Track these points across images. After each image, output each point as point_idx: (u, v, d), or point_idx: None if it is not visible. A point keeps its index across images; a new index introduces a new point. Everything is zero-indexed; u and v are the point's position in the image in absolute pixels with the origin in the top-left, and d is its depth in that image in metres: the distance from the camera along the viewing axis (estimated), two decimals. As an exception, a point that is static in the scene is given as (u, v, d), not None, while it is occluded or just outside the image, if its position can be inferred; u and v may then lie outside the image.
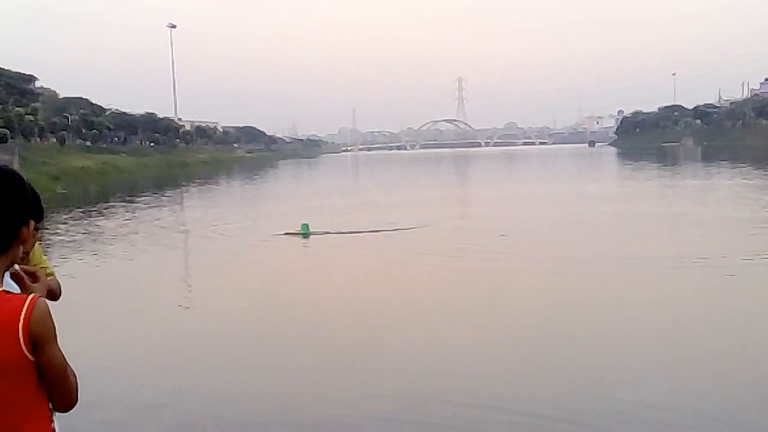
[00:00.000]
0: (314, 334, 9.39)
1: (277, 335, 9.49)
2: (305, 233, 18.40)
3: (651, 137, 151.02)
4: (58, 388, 1.96)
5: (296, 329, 9.68)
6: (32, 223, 2.01)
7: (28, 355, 1.85)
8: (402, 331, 9.37)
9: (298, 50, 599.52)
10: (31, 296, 1.88)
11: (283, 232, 18.87)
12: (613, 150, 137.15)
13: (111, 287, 13.18)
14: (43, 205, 2.16)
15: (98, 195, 43.49)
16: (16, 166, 43.97)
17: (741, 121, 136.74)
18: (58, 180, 51.60)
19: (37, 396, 1.93)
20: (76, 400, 2.03)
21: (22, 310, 1.83)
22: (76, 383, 2.02)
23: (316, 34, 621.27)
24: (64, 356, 1.96)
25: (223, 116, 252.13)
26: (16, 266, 2.03)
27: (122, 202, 35.05)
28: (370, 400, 6.89)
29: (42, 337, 1.86)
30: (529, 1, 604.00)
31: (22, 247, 1.99)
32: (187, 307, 11.54)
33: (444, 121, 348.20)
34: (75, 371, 2.01)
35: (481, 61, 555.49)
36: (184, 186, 51.22)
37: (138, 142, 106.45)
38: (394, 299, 11.49)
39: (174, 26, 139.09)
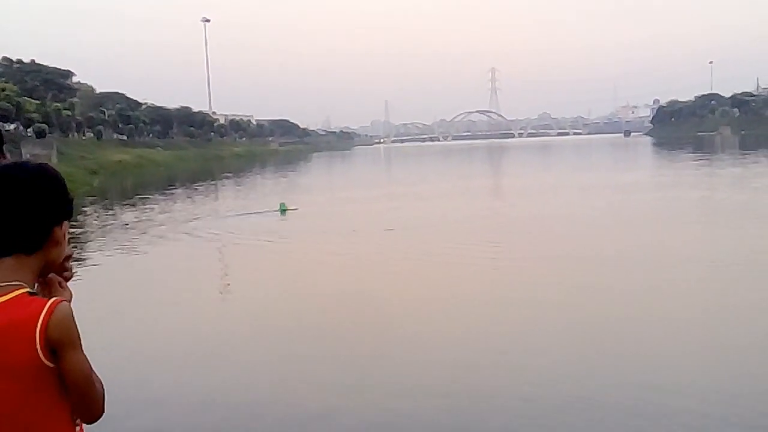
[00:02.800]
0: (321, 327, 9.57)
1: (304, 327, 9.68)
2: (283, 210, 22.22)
3: (687, 126, 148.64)
4: (81, 398, 1.86)
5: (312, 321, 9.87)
6: (66, 224, 1.92)
7: (45, 361, 1.77)
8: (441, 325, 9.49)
9: (331, 43, 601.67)
10: (52, 300, 1.79)
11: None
12: (648, 140, 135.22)
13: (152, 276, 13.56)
14: (78, 200, 2.09)
15: (135, 187, 44.13)
16: (54, 161, 44.92)
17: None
18: (95, 174, 52.60)
19: (58, 404, 1.84)
20: (102, 411, 1.91)
21: (40, 314, 1.75)
22: (103, 393, 1.90)
23: (349, 27, 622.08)
24: (89, 364, 1.85)
25: (257, 110, 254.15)
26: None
27: (179, 189, 35.63)
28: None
29: (62, 343, 1.77)
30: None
31: (56, 250, 1.89)
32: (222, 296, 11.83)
33: (477, 112, 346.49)
34: (102, 380, 1.89)
35: (514, 52, 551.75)
36: (225, 178, 51.63)
37: (173, 136, 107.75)
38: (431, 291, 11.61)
39: (208, 20, 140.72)
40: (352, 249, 15.98)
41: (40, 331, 1.74)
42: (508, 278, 12.19)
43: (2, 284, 1.78)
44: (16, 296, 1.77)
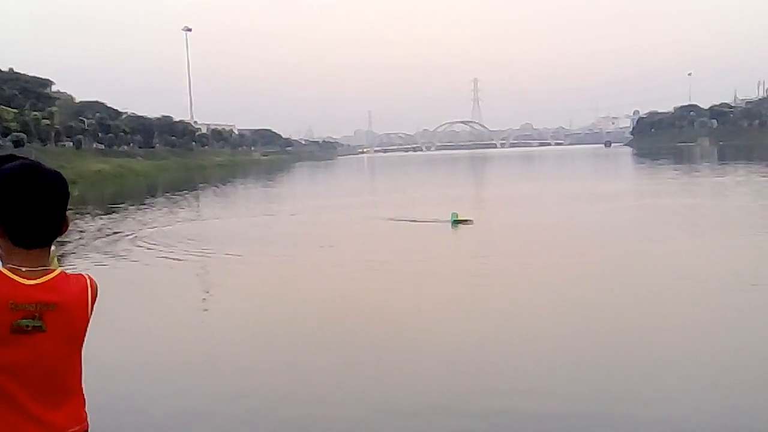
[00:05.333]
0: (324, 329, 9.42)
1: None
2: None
3: (667, 137, 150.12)
4: None
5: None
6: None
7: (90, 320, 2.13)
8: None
9: (314, 52, 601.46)
10: (85, 274, 2.17)
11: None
12: (629, 150, 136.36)
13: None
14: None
15: (114, 197, 43.77)
16: (32, 170, 45.08)
17: (757, 121, 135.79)
18: (75, 184, 52.01)
19: (80, 363, 2.17)
20: None
21: (87, 284, 2.12)
22: None
23: (332, 36, 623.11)
24: None
25: (239, 119, 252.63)
26: None
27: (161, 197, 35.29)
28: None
29: (94, 305, 2.15)
30: (543, 0, 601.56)
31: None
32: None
33: (459, 122, 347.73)
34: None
35: (497, 62, 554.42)
36: (213, 187, 51.40)
37: (154, 145, 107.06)
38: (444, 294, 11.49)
39: (189, 30, 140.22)
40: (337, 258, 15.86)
41: (91, 298, 2.12)
42: (490, 289, 12.09)
43: (44, 267, 2.06)
44: (60, 274, 2.08)
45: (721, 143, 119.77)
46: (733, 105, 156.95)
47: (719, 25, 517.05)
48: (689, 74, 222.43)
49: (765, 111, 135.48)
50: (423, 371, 7.52)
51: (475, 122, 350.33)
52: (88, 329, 2.14)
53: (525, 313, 9.99)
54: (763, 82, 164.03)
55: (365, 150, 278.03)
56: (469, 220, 19.77)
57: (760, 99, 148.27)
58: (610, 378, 7.12)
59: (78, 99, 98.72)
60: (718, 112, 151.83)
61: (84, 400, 2.19)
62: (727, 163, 55.71)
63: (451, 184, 46.71)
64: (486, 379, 7.28)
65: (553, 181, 44.23)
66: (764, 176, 37.12)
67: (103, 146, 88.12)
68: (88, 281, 2.12)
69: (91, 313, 2.12)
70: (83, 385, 2.19)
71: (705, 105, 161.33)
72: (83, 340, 2.13)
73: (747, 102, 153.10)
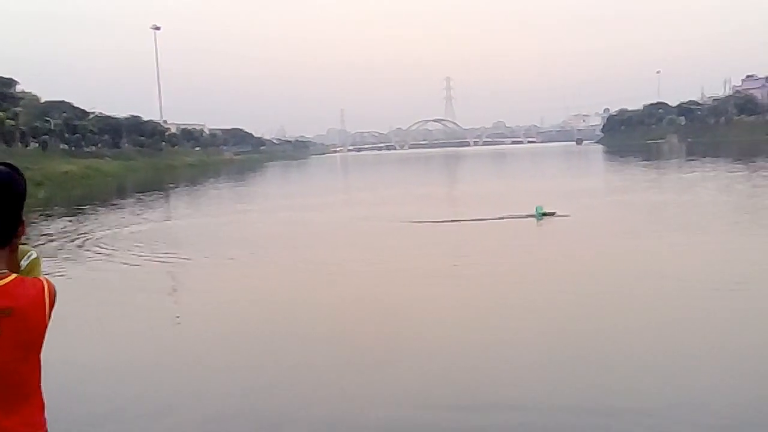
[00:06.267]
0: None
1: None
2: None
3: (637, 135, 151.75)
4: None
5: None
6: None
7: (47, 323, 2.08)
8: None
9: (285, 51, 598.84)
10: (42, 278, 2.10)
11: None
12: (599, 147, 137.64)
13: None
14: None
15: (82, 199, 43.08)
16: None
17: (723, 118, 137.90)
18: (41, 186, 51.10)
19: (39, 366, 2.12)
20: None
21: (44, 288, 2.06)
22: None
23: (303, 34, 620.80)
24: None
25: (210, 118, 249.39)
26: None
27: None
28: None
29: (52, 308, 2.09)
30: (515, 0, 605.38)
31: (17, 241, 2.11)
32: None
33: (433, 120, 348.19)
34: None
35: (469, 61, 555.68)
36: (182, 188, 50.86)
37: (123, 146, 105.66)
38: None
39: (158, 28, 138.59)
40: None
41: (49, 302, 2.07)
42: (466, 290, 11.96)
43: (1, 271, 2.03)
44: (15, 278, 2.04)
45: (689, 140, 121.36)
46: (700, 102, 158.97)
47: (687, 26, 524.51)
48: (658, 72, 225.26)
49: (731, 108, 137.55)
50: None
51: (448, 120, 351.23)
52: (46, 333, 2.08)
53: (488, 311, 9.88)
54: (730, 80, 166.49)
55: (338, 149, 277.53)
56: (554, 213, 19.65)
57: (726, 96, 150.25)
58: (577, 376, 7.01)
59: (43, 99, 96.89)
60: (686, 110, 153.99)
61: (43, 405, 2.14)
62: (695, 160, 56.36)
63: (431, 182, 46.63)
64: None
65: (525, 179, 44.39)
66: (731, 172, 37.55)
67: (70, 147, 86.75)
68: (46, 285, 2.06)
69: (50, 318, 2.07)
70: (42, 390, 2.14)
71: (673, 103, 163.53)
72: (41, 345, 2.08)
73: (714, 99, 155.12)
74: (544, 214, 19.53)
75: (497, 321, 9.36)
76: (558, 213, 19.72)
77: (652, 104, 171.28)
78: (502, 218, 19.94)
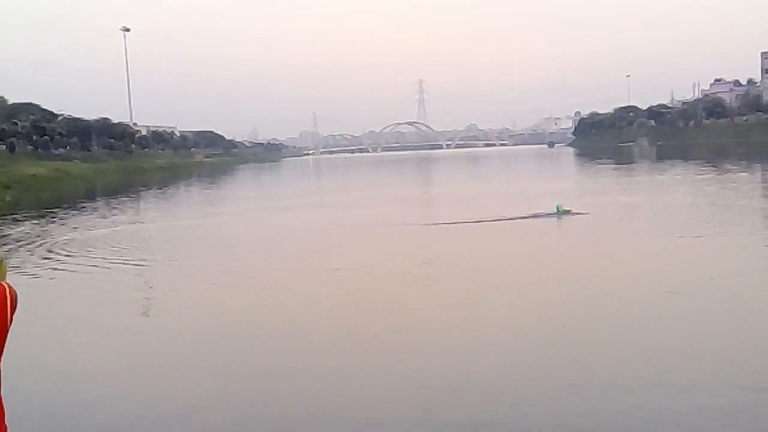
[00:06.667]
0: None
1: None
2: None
3: (608, 138, 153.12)
4: None
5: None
6: None
7: (9, 326, 2.05)
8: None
9: (258, 53, 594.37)
10: (4, 283, 2.07)
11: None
12: (571, 150, 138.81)
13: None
14: None
15: (52, 201, 42.36)
16: (-37, 175, 43.01)
17: (693, 121, 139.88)
18: (8, 189, 50.25)
19: None
20: None
21: (6, 290, 2.04)
22: None
23: (275, 36, 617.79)
24: None
25: (181, 120, 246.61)
26: None
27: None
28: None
29: (14, 310, 2.06)
30: (487, 2, 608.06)
31: None
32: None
33: (405, 123, 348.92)
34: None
35: (441, 64, 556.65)
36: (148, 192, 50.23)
37: (92, 148, 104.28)
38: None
39: (128, 30, 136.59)
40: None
41: (10, 307, 2.04)
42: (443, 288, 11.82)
43: None
44: None
45: (659, 143, 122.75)
46: (670, 106, 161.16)
47: (656, 29, 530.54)
48: (628, 76, 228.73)
49: (700, 112, 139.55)
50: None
51: (420, 123, 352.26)
52: (7, 338, 2.04)
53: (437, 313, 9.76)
54: (699, 83, 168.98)
55: (311, 152, 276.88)
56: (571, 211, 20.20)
57: (695, 100, 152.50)
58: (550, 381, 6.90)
59: (11, 101, 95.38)
60: (656, 113, 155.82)
61: (2, 412, 2.06)
62: (665, 162, 56.98)
63: (405, 185, 46.56)
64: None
65: (497, 182, 44.55)
66: (700, 174, 37.98)
67: (38, 149, 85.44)
68: (7, 290, 2.03)
69: (11, 323, 2.02)
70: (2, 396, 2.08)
71: (644, 106, 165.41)
72: (1, 351, 2.03)
73: (683, 103, 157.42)
74: (565, 212, 20.24)
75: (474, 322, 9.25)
76: (573, 211, 20.36)
77: (622, 107, 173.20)
78: (524, 217, 20.15)
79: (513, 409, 6.27)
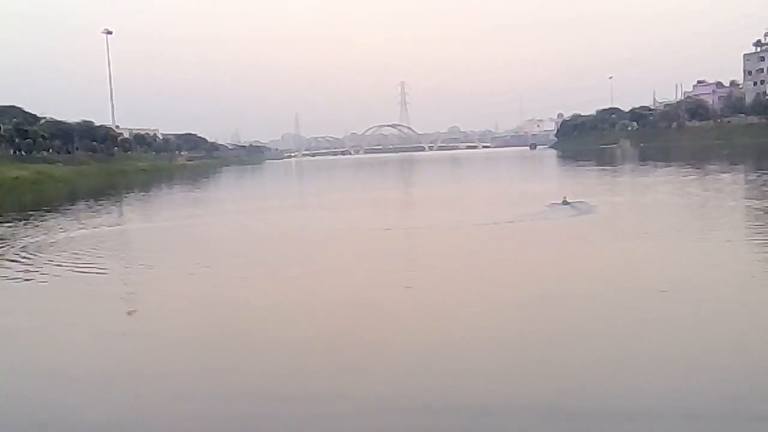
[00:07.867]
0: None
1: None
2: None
3: (590, 139, 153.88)
4: None
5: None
6: None
7: None
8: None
9: (239, 55, 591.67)
10: None
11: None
12: (553, 152, 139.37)
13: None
14: None
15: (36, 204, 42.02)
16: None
17: (675, 123, 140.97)
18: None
19: None
20: None
21: None
22: None
23: (257, 38, 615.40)
24: None
25: (163, 123, 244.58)
26: None
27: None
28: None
29: None
30: (469, 4, 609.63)
31: None
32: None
33: (388, 126, 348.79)
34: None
35: (423, 66, 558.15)
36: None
37: (74, 151, 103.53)
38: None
39: (110, 32, 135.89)
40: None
41: None
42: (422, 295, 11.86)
43: None
44: None
45: (641, 145, 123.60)
46: (652, 108, 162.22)
47: (638, 31, 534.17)
48: (610, 78, 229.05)
49: (682, 113, 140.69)
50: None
51: (403, 125, 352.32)
52: None
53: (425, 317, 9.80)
54: (681, 85, 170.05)
55: (293, 154, 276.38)
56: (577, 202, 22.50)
57: (677, 102, 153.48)
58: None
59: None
60: (639, 115, 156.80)
61: None
62: (647, 164, 57.36)
63: (383, 187, 46.64)
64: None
65: (479, 183, 44.72)
66: (684, 176, 38.26)
67: (20, 152, 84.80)
68: None
69: None
70: None
71: (626, 108, 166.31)
72: None
73: (666, 105, 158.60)
74: (567, 203, 22.44)
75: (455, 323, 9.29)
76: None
77: (605, 109, 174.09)
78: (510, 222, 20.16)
79: (497, 417, 6.34)
